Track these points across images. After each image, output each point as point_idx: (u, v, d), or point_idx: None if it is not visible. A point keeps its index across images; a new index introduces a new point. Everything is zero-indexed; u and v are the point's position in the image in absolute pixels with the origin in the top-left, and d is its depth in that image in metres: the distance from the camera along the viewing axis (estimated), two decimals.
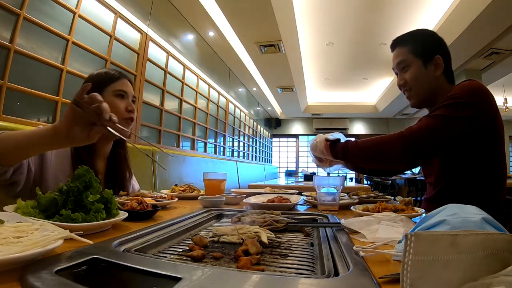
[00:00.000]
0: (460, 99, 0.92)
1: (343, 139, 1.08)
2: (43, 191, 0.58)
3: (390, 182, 5.18)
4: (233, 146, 5.55)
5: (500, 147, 0.98)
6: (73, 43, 1.94)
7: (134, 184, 1.22)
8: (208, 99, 4.24)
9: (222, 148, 4.95)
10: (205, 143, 4.22)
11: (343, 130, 9.34)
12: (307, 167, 8.91)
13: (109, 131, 0.65)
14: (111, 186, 0.97)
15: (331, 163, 1.16)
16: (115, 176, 1.07)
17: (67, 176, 0.89)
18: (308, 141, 9.74)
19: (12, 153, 0.68)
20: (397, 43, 1.11)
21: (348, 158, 1.05)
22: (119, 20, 2.39)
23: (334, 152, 1.06)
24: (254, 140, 7.29)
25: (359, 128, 9.46)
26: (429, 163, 1.13)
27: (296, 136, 9.97)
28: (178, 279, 0.34)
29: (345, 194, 1.30)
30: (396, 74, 1.13)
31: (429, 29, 1.12)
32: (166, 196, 1.09)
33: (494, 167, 0.98)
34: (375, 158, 1.00)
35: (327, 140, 1.08)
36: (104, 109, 0.63)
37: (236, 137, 5.73)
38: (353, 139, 1.08)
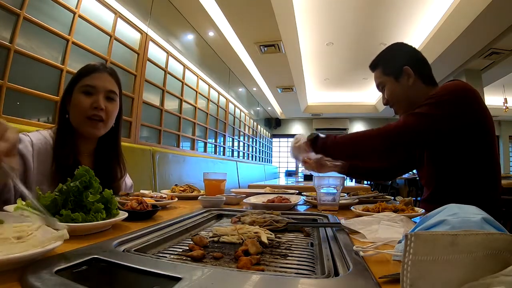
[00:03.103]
0: (442, 97, 0.92)
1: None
2: None
3: (390, 182, 5.17)
4: (233, 146, 5.55)
5: (491, 146, 0.97)
6: (73, 43, 1.94)
7: (127, 180, 1.17)
8: (208, 99, 4.24)
9: (222, 148, 4.95)
10: (205, 143, 4.22)
11: (343, 130, 9.34)
12: None
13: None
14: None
15: (324, 168, 1.19)
16: (104, 175, 0.97)
17: (49, 178, 0.86)
18: None
19: None
20: (372, 68, 1.16)
21: (327, 152, 1.06)
22: (119, 20, 2.39)
23: (314, 147, 1.06)
24: (254, 140, 7.29)
25: (359, 128, 9.46)
26: (420, 161, 1.14)
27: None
28: (178, 279, 0.34)
29: (345, 194, 1.30)
30: None
31: (400, 42, 1.15)
32: (166, 196, 1.09)
33: (486, 167, 0.98)
34: (352, 154, 1.02)
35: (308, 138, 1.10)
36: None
37: (236, 137, 5.72)
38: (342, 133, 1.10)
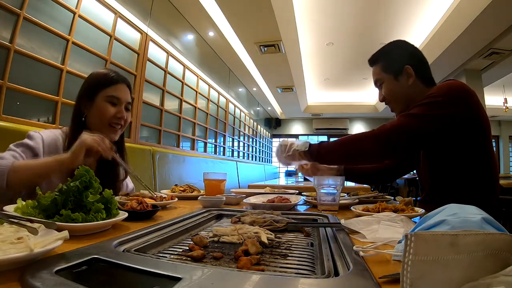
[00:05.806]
0: (436, 98, 0.92)
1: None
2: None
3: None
4: (233, 146, 5.55)
5: (487, 146, 0.96)
6: (73, 43, 1.94)
7: (128, 183, 1.22)
8: (208, 99, 4.24)
9: (222, 148, 4.95)
10: (205, 143, 4.22)
11: (343, 130, 9.34)
12: None
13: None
14: (101, 184, 0.94)
15: (319, 172, 1.20)
16: (107, 175, 1.03)
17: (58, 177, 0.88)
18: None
19: (30, 180, 0.78)
20: (371, 63, 1.14)
21: (322, 159, 1.06)
22: (119, 20, 2.39)
23: (308, 153, 1.05)
24: (254, 140, 7.29)
25: (359, 128, 9.46)
26: (419, 162, 1.13)
27: (296, 136, 9.96)
28: (178, 279, 0.34)
29: (345, 194, 1.30)
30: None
31: (401, 39, 1.14)
32: (166, 196, 1.09)
33: (481, 167, 0.97)
34: (348, 157, 1.02)
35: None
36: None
37: (236, 137, 5.72)
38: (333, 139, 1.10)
